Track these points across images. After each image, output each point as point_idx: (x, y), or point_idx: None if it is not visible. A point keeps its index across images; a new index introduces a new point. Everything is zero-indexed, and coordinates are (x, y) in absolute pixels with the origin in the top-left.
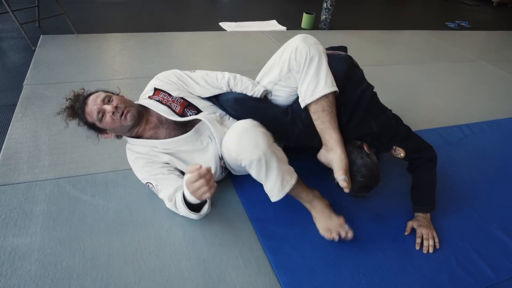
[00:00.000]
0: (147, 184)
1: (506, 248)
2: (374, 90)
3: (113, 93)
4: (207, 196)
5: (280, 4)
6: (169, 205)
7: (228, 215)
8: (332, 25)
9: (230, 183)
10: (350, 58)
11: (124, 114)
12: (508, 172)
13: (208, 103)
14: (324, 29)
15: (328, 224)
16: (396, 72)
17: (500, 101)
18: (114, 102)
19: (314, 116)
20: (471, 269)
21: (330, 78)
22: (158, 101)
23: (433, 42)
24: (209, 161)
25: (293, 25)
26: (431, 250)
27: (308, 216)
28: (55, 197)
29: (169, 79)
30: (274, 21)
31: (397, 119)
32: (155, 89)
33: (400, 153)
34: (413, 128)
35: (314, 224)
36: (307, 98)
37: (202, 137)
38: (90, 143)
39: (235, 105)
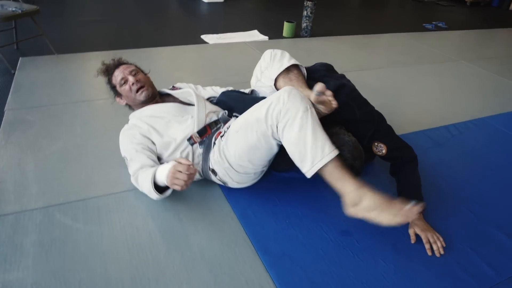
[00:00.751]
0: (123, 156)
1: (504, 247)
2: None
3: (142, 71)
4: (177, 188)
5: (260, 13)
6: (132, 179)
7: (225, 233)
8: (313, 32)
9: (224, 199)
10: (330, 65)
11: (142, 90)
12: (499, 170)
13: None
14: (305, 36)
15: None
16: (379, 76)
17: (483, 99)
18: (138, 77)
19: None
20: (472, 271)
21: (294, 60)
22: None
23: (412, 44)
24: (181, 131)
25: (274, 34)
26: (442, 252)
27: (307, 228)
28: (45, 227)
29: (186, 84)
30: (255, 31)
31: (380, 114)
32: (173, 86)
33: (382, 149)
34: (400, 132)
35: (313, 236)
36: (274, 75)
37: (185, 112)
38: (79, 167)
39: (221, 96)
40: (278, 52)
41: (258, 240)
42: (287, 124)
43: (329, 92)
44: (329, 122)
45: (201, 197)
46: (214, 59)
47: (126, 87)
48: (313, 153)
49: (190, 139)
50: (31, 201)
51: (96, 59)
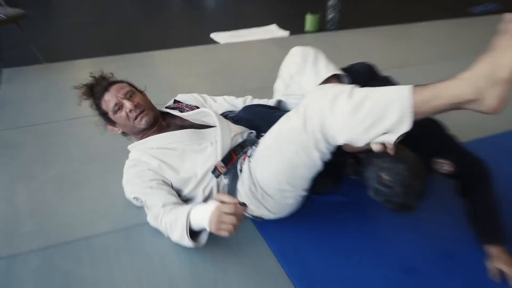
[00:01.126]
0: (134, 198)
1: None
2: None
3: (137, 89)
4: (225, 234)
5: (277, 5)
6: (153, 223)
7: (261, 274)
8: (341, 24)
9: (257, 232)
10: (372, 65)
11: (141, 116)
12: None
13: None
14: (332, 29)
15: None
16: (425, 73)
17: None
18: (136, 100)
19: None
20: None
21: (332, 66)
22: (173, 108)
23: (459, 33)
24: (201, 164)
25: (296, 28)
26: None
27: (359, 265)
28: (43, 273)
29: (190, 95)
30: (274, 26)
31: (439, 122)
32: (174, 101)
33: (447, 167)
34: (460, 140)
35: (368, 276)
36: (310, 87)
37: (202, 139)
38: (79, 198)
39: (243, 113)
40: (310, 52)
41: (301, 282)
42: (338, 101)
43: (376, 147)
44: None
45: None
46: (228, 61)
47: (122, 114)
48: (395, 92)
49: (215, 170)
50: (25, 242)
51: (91, 67)
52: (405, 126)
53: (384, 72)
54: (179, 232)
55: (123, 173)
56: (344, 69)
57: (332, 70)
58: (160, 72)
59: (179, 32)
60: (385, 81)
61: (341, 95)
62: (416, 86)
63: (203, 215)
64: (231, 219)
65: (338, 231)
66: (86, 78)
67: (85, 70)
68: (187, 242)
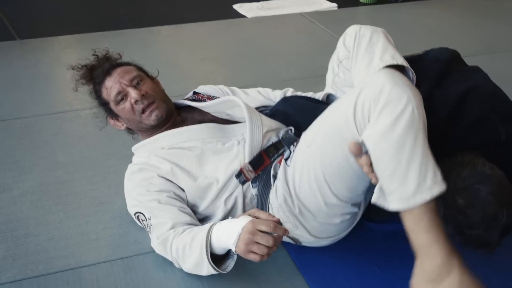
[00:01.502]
0: (136, 215)
1: None
2: None
3: (147, 75)
4: (255, 259)
5: None
6: (158, 248)
7: None
8: None
9: (293, 267)
10: (456, 52)
11: (150, 109)
12: None
13: None
14: (396, 1)
15: None
16: None
17: None
18: (144, 88)
19: None
20: None
21: (391, 53)
22: (192, 100)
23: None
24: (225, 167)
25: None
26: None
27: None
28: None
29: (215, 87)
30: None
31: None
32: (194, 93)
33: None
34: None
35: None
36: (357, 81)
37: (227, 137)
38: (64, 216)
39: (280, 105)
40: (366, 32)
41: None
42: (383, 116)
43: (364, 161)
44: (454, 145)
45: (257, 266)
46: (256, 42)
47: (126, 105)
48: (421, 174)
49: (240, 174)
50: None
51: (78, 46)
52: (408, 203)
53: (467, 60)
54: (195, 257)
55: (125, 180)
56: (416, 57)
57: (389, 59)
58: (168, 54)
59: (192, 2)
60: (473, 73)
61: (403, 114)
62: (434, 210)
63: (230, 232)
64: (267, 240)
65: (401, 270)
66: (71, 62)
67: (69, 49)
68: (206, 267)
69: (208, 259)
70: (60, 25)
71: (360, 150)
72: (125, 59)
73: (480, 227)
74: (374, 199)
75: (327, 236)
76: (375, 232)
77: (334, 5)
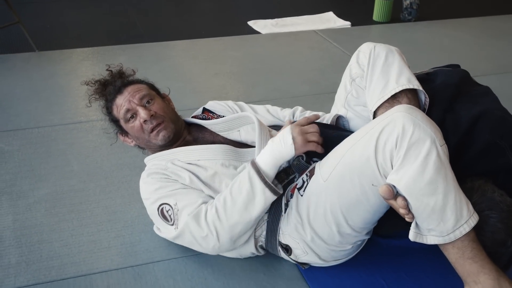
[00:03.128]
0: (160, 208)
1: None
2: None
3: (159, 93)
4: (315, 148)
5: None
6: (190, 225)
7: None
8: (421, 14)
9: (303, 282)
10: (465, 72)
11: (158, 129)
12: None
13: None
14: (409, 20)
15: None
16: None
17: None
18: (153, 108)
19: None
20: None
21: (407, 75)
22: (202, 119)
23: None
24: None
25: (360, 17)
26: None
27: None
28: None
29: (223, 103)
30: (330, 14)
31: None
32: (204, 109)
33: None
34: None
35: None
36: (372, 103)
37: (238, 159)
38: (77, 224)
39: None
40: (381, 52)
41: None
42: (409, 159)
43: (400, 204)
44: (463, 171)
45: (265, 279)
46: (270, 57)
47: (136, 124)
48: (457, 210)
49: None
50: (9, 277)
51: (94, 59)
52: (449, 237)
53: (479, 79)
54: (245, 191)
55: (140, 184)
56: (425, 75)
57: (405, 82)
58: (182, 68)
59: (208, 18)
60: (482, 96)
61: (428, 157)
62: (474, 239)
63: (278, 141)
64: (313, 126)
65: (406, 284)
66: (88, 74)
67: (86, 61)
68: (259, 195)
69: (263, 180)
70: (77, 38)
71: (392, 194)
72: (140, 72)
73: (488, 252)
74: (412, 238)
75: (336, 259)
76: (383, 247)
77: (347, 23)
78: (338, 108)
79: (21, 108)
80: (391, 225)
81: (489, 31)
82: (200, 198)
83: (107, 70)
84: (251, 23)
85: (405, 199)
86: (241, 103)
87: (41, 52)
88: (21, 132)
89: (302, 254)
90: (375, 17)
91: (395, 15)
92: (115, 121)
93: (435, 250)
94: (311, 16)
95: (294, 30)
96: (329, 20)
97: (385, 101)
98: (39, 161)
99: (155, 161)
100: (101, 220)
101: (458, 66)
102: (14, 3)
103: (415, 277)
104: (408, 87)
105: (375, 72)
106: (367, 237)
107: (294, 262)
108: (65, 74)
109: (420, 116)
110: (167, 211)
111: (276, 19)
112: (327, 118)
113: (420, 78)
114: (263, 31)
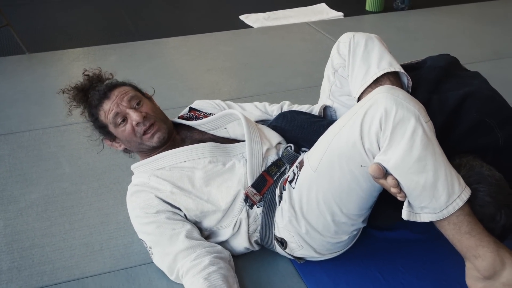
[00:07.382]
0: (140, 240)
1: None
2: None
3: (143, 94)
4: None
5: None
6: (164, 269)
7: None
8: (414, 2)
9: (297, 278)
10: (454, 58)
11: (152, 131)
12: None
13: None
14: (402, 9)
15: None
16: None
17: None
18: (144, 109)
19: None
20: None
21: (388, 60)
22: (188, 118)
23: None
24: (226, 189)
25: (353, 8)
26: None
27: None
28: None
29: (211, 102)
30: (323, 5)
31: None
32: (190, 109)
33: None
34: None
35: None
36: (356, 90)
37: (227, 157)
38: (69, 227)
39: (277, 121)
40: (361, 39)
41: None
42: (396, 139)
43: (391, 183)
44: (452, 149)
45: (260, 276)
46: (262, 51)
47: (127, 127)
48: (448, 185)
49: (247, 199)
50: (1, 284)
51: (85, 59)
52: (444, 213)
53: (473, 66)
54: None
55: (126, 201)
56: (415, 64)
57: (386, 66)
58: (174, 65)
59: (199, 13)
60: (470, 79)
61: (415, 134)
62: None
63: None
64: None
65: (405, 277)
66: (79, 75)
67: (78, 62)
68: None
69: None
70: (68, 39)
71: (382, 172)
72: (132, 71)
73: None
74: (406, 217)
75: (331, 252)
76: (378, 239)
77: (340, 14)
78: (324, 100)
79: (11, 112)
80: (386, 217)
81: (483, 17)
82: (172, 253)
83: (84, 74)
84: (243, 17)
85: (395, 178)
86: (229, 102)
87: (31, 54)
88: (11, 136)
89: (297, 248)
90: (368, 7)
91: (388, 4)
92: (102, 127)
93: (430, 242)
94: (303, 8)
95: (286, 23)
96: (322, 12)
97: (368, 87)
98: (31, 165)
99: (139, 171)
100: (93, 222)
101: (448, 56)
102: (2, 6)
103: (411, 269)
104: (389, 70)
105: (356, 60)
106: (363, 225)
107: (290, 257)
108: (56, 75)
109: (402, 95)
110: (145, 247)
111: (268, 13)
112: (315, 110)
113: (409, 66)
114: (255, 25)
